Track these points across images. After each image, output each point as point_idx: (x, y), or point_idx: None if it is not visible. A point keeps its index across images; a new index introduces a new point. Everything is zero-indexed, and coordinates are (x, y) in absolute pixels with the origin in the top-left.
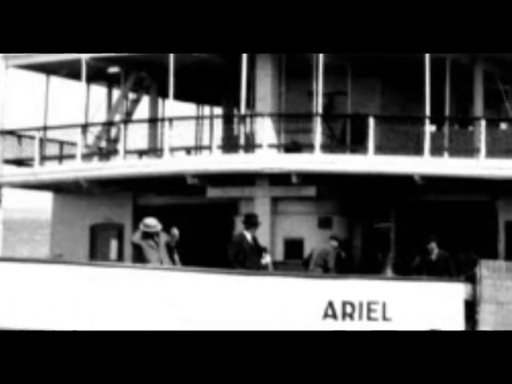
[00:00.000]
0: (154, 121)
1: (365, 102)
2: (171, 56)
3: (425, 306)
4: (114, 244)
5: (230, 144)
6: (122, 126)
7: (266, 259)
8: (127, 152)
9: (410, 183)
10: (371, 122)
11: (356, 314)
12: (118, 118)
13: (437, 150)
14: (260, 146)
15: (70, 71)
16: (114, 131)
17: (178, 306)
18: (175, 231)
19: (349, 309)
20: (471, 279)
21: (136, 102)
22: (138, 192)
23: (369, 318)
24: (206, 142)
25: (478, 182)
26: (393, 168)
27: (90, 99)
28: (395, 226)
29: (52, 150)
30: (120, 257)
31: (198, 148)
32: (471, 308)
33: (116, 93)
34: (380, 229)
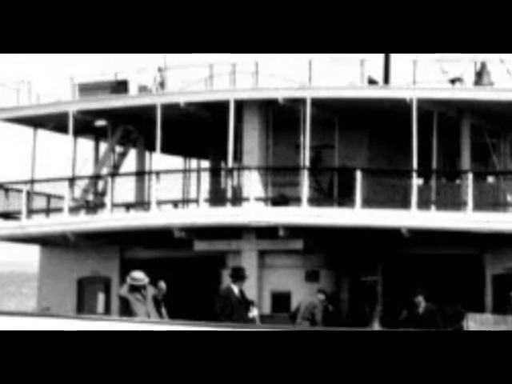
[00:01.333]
0: (141, 174)
1: (352, 155)
2: (158, 109)
3: None
4: (101, 297)
5: (217, 197)
6: (109, 180)
7: (253, 313)
8: (114, 205)
9: (397, 236)
10: (358, 175)
11: None
12: (105, 171)
13: (424, 203)
14: (247, 199)
15: (57, 124)
16: (101, 184)
17: None
18: (162, 284)
19: None
20: None
21: (123, 155)
22: (125, 245)
23: None
24: (193, 195)
25: (465, 236)
26: (380, 221)
27: (77, 152)
28: (382, 280)
29: (39, 203)
30: (107, 310)
31: (185, 201)
32: None
33: (103, 146)
34: (367, 282)
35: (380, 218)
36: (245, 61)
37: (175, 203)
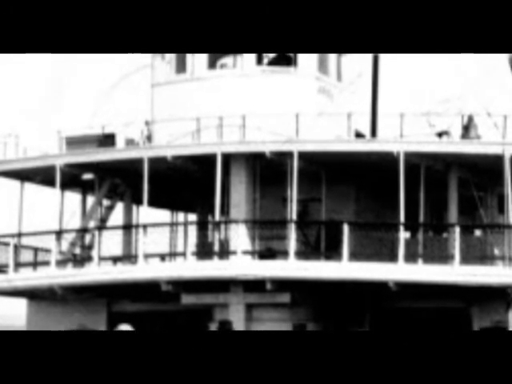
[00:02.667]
0: (128, 227)
1: (339, 209)
2: (145, 162)
3: None
4: None
5: (204, 250)
6: (96, 233)
7: None
8: (101, 259)
9: (385, 290)
10: (345, 228)
11: None
12: (92, 224)
13: (411, 257)
14: (234, 252)
15: (45, 178)
16: (88, 238)
17: None
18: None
19: None
20: None
21: (110, 208)
22: (113, 298)
23: None
24: (180, 248)
25: (453, 289)
26: (367, 274)
27: (65, 206)
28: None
29: (26, 256)
30: None
31: (173, 254)
32: None
33: (90, 199)
34: None
35: (367, 272)
36: (232, 114)
37: (162, 257)
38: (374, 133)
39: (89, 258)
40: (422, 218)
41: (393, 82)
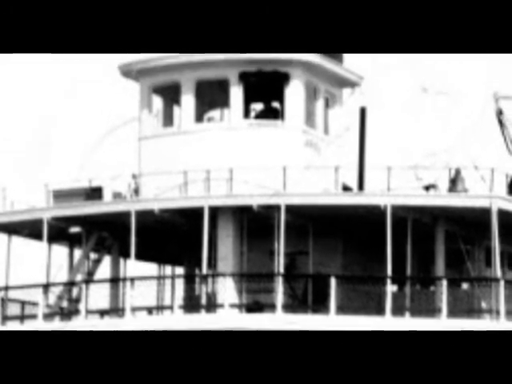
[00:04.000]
0: (115, 281)
1: (326, 262)
2: (133, 215)
3: None
4: None
5: (191, 304)
6: (83, 286)
7: None
8: (89, 312)
9: None
10: (333, 281)
11: None
12: (79, 277)
13: (398, 310)
14: (222, 305)
15: (32, 231)
16: (75, 291)
17: None
18: None
19: None
20: None
21: (97, 261)
22: None
23: None
24: (167, 301)
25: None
26: (354, 328)
27: (52, 259)
28: None
29: (13, 309)
30: None
31: (160, 308)
32: None
33: (77, 253)
34: None
35: (354, 325)
36: (219, 167)
37: (149, 310)
38: (361, 186)
39: (76, 312)
40: (409, 272)
41: (380, 135)
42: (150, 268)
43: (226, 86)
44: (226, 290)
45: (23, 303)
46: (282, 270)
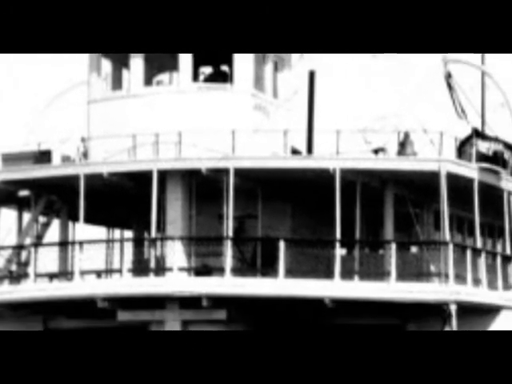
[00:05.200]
0: (64, 244)
1: (275, 226)
2: (81, 179)
3: None
4: None
5: (140, 267)
6: (32, 250)
7: None
8: (38, 275)
9: (321, 306)
10: (281, 245)
11: None
12: (28, 241)
13: (347, 274)
14: (170, 269)
15: None
16: (24, 254)
17: None
18: None
19: None
20: None
21: (46, 225)
22: (49, 315)
23: None
24: (116, 265)
25: (389, 306)
26: (303, 291)
27: (1, 222)
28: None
29: None
30: None
31: (109, 271)
32: None
33: (26, 216)
34: None
35: (303, 288)
36: (168, 131)
37: (98, 273)
38: (310, 150)
39: (25, 275)
40: (358, 235)
41: (329, 99)
42: (99, 231)
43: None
44: (175, 253)
45: None
46: (230, 233)
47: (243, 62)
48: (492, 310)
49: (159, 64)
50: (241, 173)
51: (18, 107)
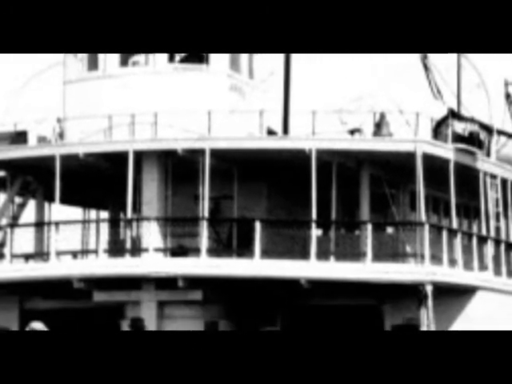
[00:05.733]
0: (40, 225)
1: (251, 206)
2: (57, 160)
3: None
4: None
5: (116, 248)
6: (8, 230)
7: None
8: (13, 256)
9: (297, 287)
10: (257, 226)
11: None
12: (4, 221)
13: (323, 254)
14: (146, 249)
15: None
16: (0, 235)
17: None
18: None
19: None
20: None
21: (22, 205)
22: (25, 296)
23: None
24: (92, 245)
25: (365, 286)
26: (279, 272)
27: None
28: (282, 330)
29: None
30: None
31: (85, 252)
32: None
33: (2, 197)
34: None
35: (279, 269)
36: (144, 111)
37: (74, 254)
38: (285, 130)
39: (0, 256)
40: (333, 216)
41: (305, 79)
42: (75, 212)
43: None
44: (151, 234)
45: None
46: (206, 214)
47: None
48: (468, 291)
49: None
50: (217, 153)
51: None
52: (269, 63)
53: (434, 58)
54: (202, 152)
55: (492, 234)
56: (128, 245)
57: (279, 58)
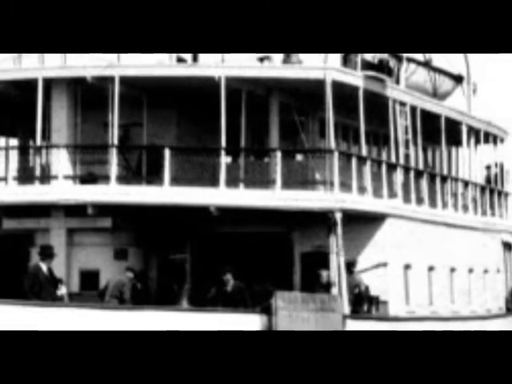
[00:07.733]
0: None
1: (160, 134)
2: None
3: None
4: None
5: (25, 175)
6: None
7: (62, 290)
8: None
9: (206, 214)
10: (167, 153)
11: None
12: None
13: (232, 182)
14: (56, 177)
15: None
16: None
17: None
18: None
19: None
20: (267, 310)
21: None
22: None
23: None
24: (1, 173)
25: (274, 214)
26: (188, 199)
27: None
28: (191, 258)
29: None
30: None
31: None
32: None
33: None
34: (176, 260)
35: (188, 196)
36: None
37: None
38: (195, 58)
39: None
40: (243, 143)
41: None
42: None
43: None
44: (60, 161)
45: None
46: (116, 141)
47: None
48: (377, 218)
49: None
50: (126, 81)
51: None
52: None
53: None
54: (111, 79)
55: (401, 161)
56: (37, 172)
57: None
